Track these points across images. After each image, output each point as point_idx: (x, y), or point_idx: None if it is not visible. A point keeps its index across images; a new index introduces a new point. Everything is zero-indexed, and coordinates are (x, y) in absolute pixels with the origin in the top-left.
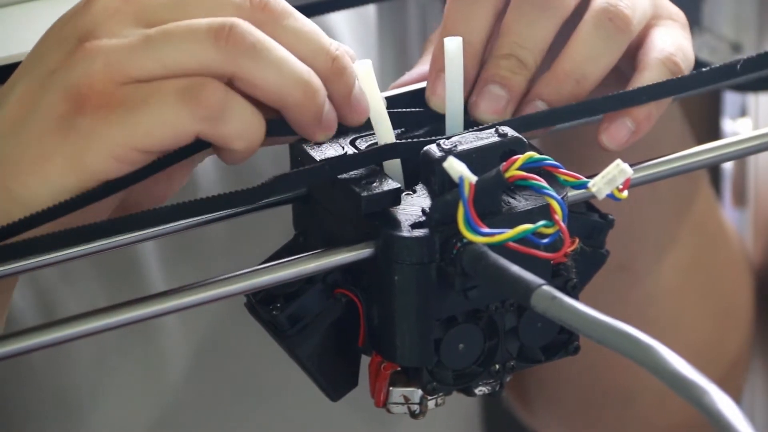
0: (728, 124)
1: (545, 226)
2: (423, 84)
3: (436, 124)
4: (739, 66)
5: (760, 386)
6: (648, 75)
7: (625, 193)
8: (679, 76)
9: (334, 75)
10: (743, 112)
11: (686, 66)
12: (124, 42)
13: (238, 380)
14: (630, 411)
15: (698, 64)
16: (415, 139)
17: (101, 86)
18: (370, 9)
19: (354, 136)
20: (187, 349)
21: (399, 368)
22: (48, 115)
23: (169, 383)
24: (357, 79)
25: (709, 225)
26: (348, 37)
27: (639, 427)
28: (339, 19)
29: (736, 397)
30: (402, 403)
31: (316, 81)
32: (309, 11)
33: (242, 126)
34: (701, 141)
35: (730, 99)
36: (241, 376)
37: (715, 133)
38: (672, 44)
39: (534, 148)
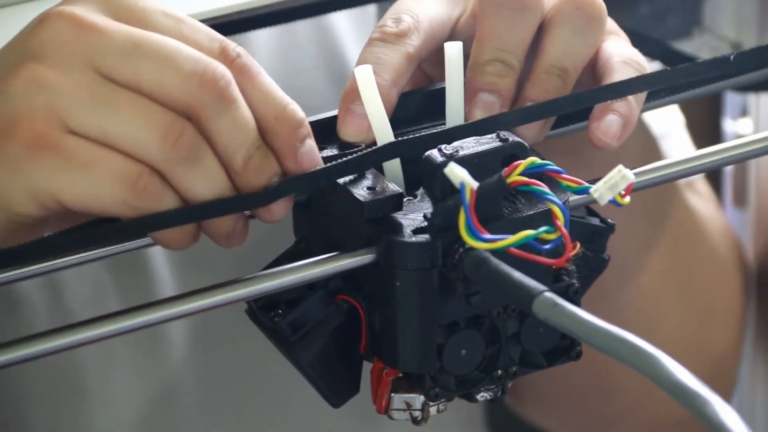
0: (729, 125)
1: (547, 231)
2: (423, 88)
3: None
4: (732, 57)
5: (760, 386)
6: (616, 77)
7: (627, 199)
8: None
9: (251, 177)
10: (744, 113)
11: (647, 67)
12: (70, 85)
13: (239, 361)
14: (613, 404)
15: None
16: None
17: (41, 126)
18: (370, 9)
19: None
20: (190, 330)
21: (401, 374)
22: None
23: (173, 363)
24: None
25: (686, 227)
26: (348, 37)
27: (623, 420)
28: (339, 19)
29: (726, 394)
30: (404, 410)
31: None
32: (309, 11)
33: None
34: (701, 141)
35: (731, 99)
36: (241, 357)
37: (715, 133)
38: (628, 50)
39: (536, 153)
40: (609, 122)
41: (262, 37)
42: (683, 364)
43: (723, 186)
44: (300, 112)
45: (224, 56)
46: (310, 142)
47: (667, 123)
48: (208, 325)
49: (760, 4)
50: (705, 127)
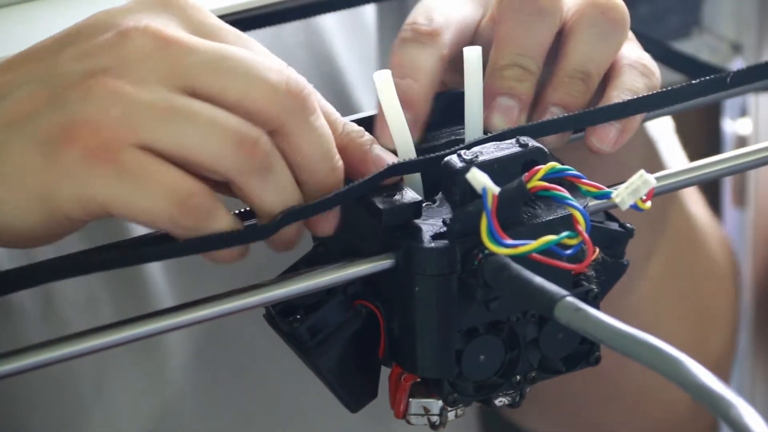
0: (728, 125)
1: (569, 236)
2: (442, 93)
3: (455, 129)
4: (729, 79)
5: (760, 387)
6: (623, 78)
7: (649, 204)
8: (651, 77)
9: (332, 182)
10: (743, 112)
11: (654, 69)
12: (148, 99)
13: (239, 370)
14: (610, 410)
15: (699, 64)
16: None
17: (108, 135)
18: (370, 9)
19: None
20: (189, 340)
21: (419, 379)
22: (40, 131)
23: (171, 374)
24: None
25: (684, 234)
26: (347, 37)
27: (621, 426)
28: (339, 19)
29: None
30: (422, 414)
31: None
32: (309, 11)
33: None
34: (701, 141)
35: (730, 99)
36: (242, 366)
37: (715, 133)
38: (635, 52)
39: (555, 158)
40: (606, 128)
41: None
42: None
43: (723, 186)
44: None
45: (287, 94)
46: (377, 147)
47: (658, 127)
48: (208, 333)
49: (760, 4)
50: (704, 127)
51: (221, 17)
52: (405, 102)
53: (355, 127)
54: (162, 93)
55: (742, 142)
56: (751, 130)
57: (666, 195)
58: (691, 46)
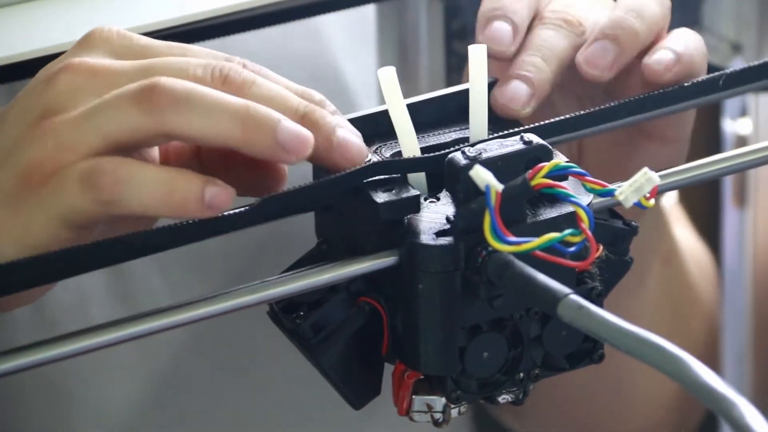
0: (728, 124)
1: (572, 234)
2: (446, 90)
3: (459, 127)
4: (721, 81)
5: (760, 387)
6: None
7: (652, 201)
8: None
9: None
10: (743, 112)
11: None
12: (70, 117)
13: (231, 365)
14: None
15: None
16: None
17: (50, 165)
18: (370, 9)
19: (379, 144)
20: (180, 336)
21: (422, 376)
22: (4, 193)
23: (161, 370)
24: (340, 127)
25: (673, 257)
26: (347, 38)
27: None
28: (338, 19)
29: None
30: (425, 412)
31: (259, 111)
32: (309, 11)
33: (142, 197)
34: (701, 141)
35: (730, 99)
36: (234, 361)
37: (715, 132)
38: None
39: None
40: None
41: (254, 45)
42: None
43: (723, 186)
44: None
45: (222, 81)
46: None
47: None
48: (198, 329)
49: (760, 4)
50: (704, 126)
51: (221, 17)
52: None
53: (316, 110)
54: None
55: (742, 141)
56: (751, 129)
57: (655, 217)
58: None
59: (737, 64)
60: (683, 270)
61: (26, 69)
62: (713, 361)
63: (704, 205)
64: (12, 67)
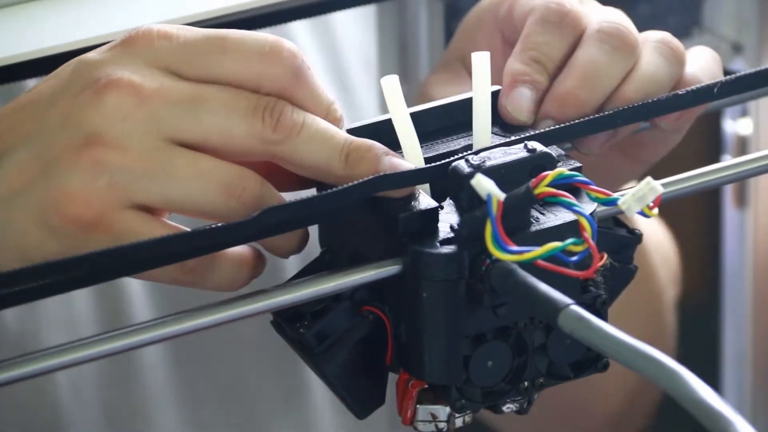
0: (729, 125)
1: (574, 243)
2: (449, 99)
3: (462, 134)
4: (716, 89)
5: (760, 388)
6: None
7: (656, 211)
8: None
9: (353, 172)
10: (744, 113)
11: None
12: (132, 162)
13: (216, 368)
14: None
15: None
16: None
17: (98, 206)
18: (370, 9)
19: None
20: (164, 347)
21: (426, 386)
22: (35, 205)
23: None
24: (382, 160)
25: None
26: (346, 38)
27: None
28: (337, 19)
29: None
30: (429, 421)
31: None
32: (309, 11)
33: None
34: (702, 141)
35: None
36: (218, 365)
37: (715, 133)
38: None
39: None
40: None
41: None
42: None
43: (723, 187)
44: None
45: (274, 56)
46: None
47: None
48: (181, 341)
49: (760, 4)
50: (705, 127)
51: (222, 17)
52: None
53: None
54: (148, 148)
55: (742, 142)
56: (751, 130)
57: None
58: (691, 46)
59: (737, 64)
60: (648, 260)
61: (26, 69)
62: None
63: (704, 205)
64: (12, 67)
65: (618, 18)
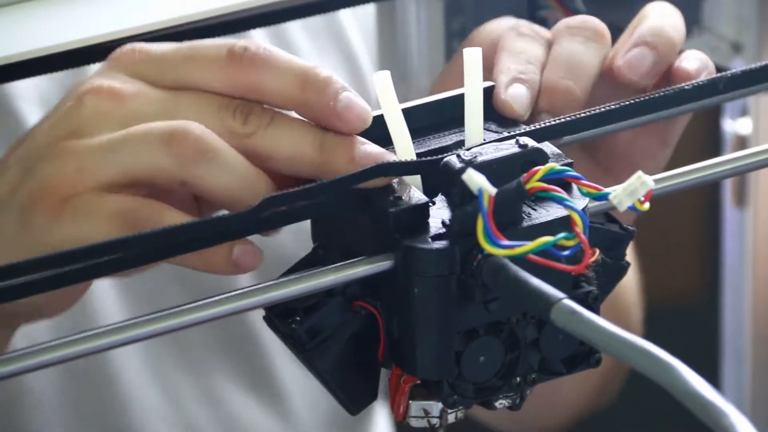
0: (728, 124)
1: (566, 238)
2: (441, 95)
3: (454, 130)
4: (721, 84)
5: (760, 388)
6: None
7: (647, 205)
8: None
9: (329, 159)
10: (744, 112)
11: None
12: (94, 143)
13: (187, 370)
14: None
15: None
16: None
17: (65, 189)
18: (370, 9)
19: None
20: (140, 360)
21: (419, 381)
22: (15, 202)
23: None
24: (345, 90)
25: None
26: (353, 33)
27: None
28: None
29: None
30: (422, 417)
31: (260, 182)
32: (308, 11)
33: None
34: (701, 141)
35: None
36: (188, 365)
37: (715, 132)
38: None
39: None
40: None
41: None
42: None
43: (723, 186)
44: (323, 71)
45: (232, 58)
46: (347, 95)
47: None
48: (156, 353)
49: (760, 4)
50: (704, 126)
51: (221, 17)
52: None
53: (319, 77)
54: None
55: (742, 141)
56: (751, 129)
57: None
58: (691, 46)
59: (737, 64)
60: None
61: (26, 69)
62: None
63: (704, 204)
64: (12, 67)
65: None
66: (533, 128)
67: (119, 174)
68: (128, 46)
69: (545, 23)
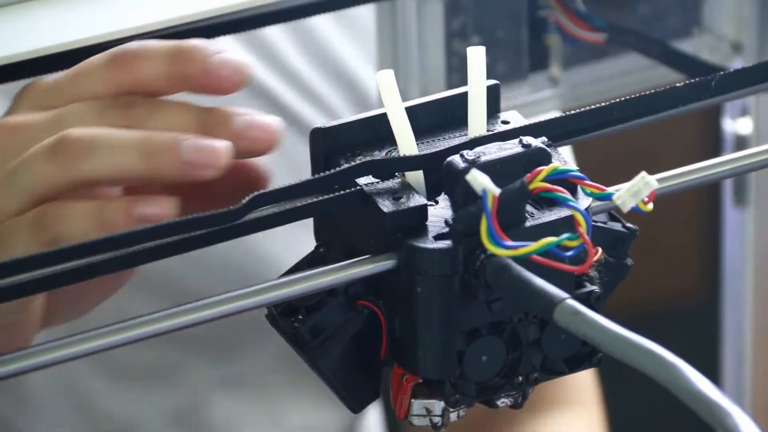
0: (728, 124)
1: (569, 238)
2: (444, 93)
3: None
4: (713, 83)
5: (760, 388)
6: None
7: (650, 206)
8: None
9: (175, 64)
10: (744, 112)
11: None
12: None
13: (166, 371)
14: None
15: (699, 63)
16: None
17: None
18: (369, 9)
19: (390, 149)
20: (111, 376)
21: (421, 380)
22: None
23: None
24: (217, 53)
25: None
26: (346, 38)
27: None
28: (337, 19)
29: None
30: (424, 415)
31: (159, 138)
32: (308, 10)
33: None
34: (701, 141)
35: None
36: (170, 368)
37: (715, 132)
38: None
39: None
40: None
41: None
42: None
43: (723, 186)
44: (192, 41)
45: (111, 61)
46: (219, 55)
47: None
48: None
49: (760, 4)
50: (704, 126)
51: (221, 17)
52: None
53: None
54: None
55: (742, 141)
56: (751, 129)
57: None
58: (691, 46)
59: (737, 64)
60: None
61: (26, 69)
62: None
63: (704, 205)
64: (12, 67)
65: None
66: (532, 123)
67: (24, 199)
68: (29, 83)
69: (545, 23)
